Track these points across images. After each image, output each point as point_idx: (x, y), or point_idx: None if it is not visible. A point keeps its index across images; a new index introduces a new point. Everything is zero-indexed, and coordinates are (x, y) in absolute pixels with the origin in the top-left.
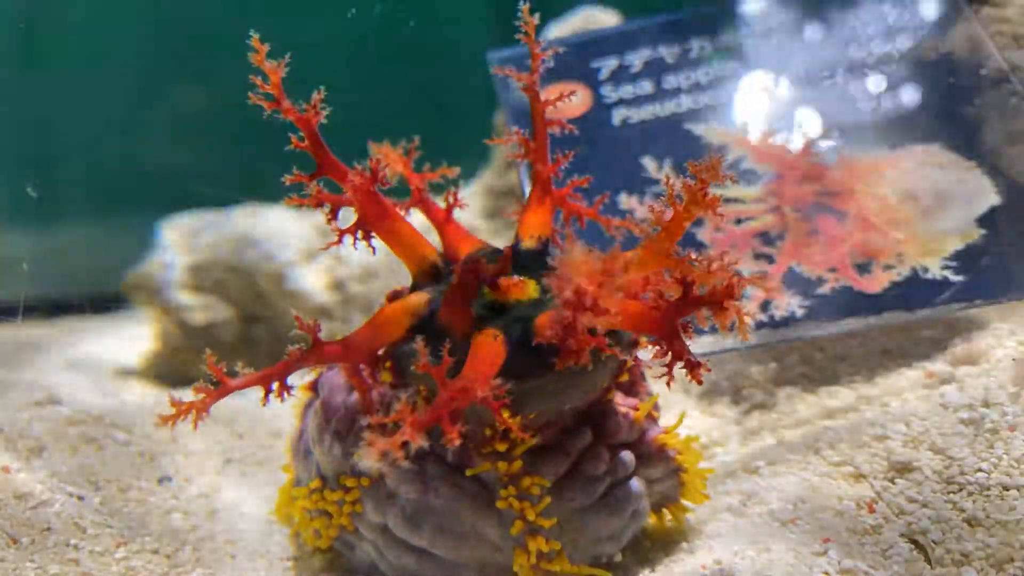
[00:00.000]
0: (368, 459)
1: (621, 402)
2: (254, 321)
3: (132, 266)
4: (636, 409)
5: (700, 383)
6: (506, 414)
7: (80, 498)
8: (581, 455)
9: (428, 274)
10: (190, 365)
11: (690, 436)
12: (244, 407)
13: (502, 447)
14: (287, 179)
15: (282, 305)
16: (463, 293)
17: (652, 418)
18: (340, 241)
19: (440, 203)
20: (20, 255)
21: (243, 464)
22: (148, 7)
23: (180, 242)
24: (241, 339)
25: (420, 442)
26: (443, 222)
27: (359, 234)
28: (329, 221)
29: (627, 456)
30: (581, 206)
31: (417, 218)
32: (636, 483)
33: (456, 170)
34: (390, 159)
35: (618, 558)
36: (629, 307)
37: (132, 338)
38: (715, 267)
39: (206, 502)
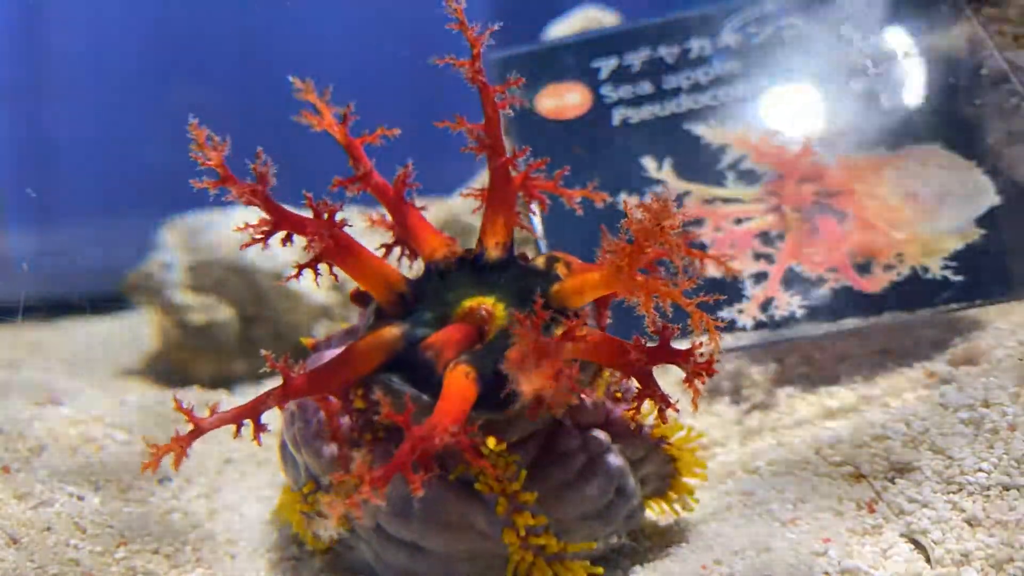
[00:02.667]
0: (328, 528)
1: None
2: (254, 321)
3: (132, 266)
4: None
5: (665, 423)
6: (492, 441)
7: (80, 498)
8: (549, 437)
9: (395, 303)
10: (190, 365)
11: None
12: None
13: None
14: (247, 243)
15: (282, 305)
16: (466, 346)
17: (615, 399)
18: (299, 275)
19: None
20: (20, 255)
21: (243, 464)
22: (149, 6)
23: (180, 242)
24: (241, 339)
25: (378, 501)
26: (396, 203)
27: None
28: (283, 243)
29: (598, 432)
30: (542, 182)
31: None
32: (615, 457)
33: (397, 131)
34: (321, 116)
35: (614, 540)
36: (606, 345)
37: (132, 338)
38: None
39: (206, 502)
